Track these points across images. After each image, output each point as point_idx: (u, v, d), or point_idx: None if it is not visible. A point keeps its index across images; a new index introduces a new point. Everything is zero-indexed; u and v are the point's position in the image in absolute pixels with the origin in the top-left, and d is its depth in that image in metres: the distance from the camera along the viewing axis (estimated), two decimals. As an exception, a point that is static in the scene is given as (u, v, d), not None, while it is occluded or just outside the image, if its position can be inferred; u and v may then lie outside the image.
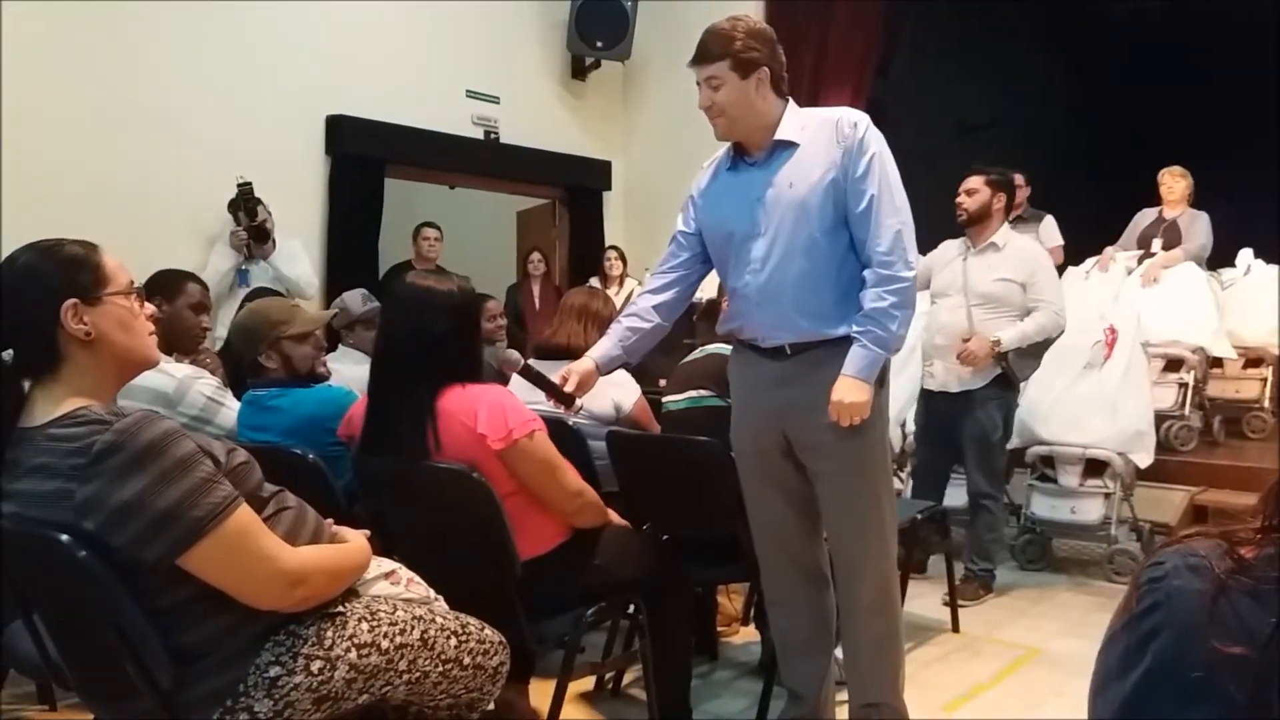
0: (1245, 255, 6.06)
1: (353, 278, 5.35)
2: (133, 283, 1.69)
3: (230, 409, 2.80)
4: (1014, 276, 3.98)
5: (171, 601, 1.54)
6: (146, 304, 1.73)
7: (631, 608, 2.59)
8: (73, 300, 1.57)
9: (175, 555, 1.49)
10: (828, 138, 2.43)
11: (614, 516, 2.60)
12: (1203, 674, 0.64)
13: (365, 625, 1.69)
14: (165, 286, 3.05)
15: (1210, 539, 0.70)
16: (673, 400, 3.28)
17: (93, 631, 1.55)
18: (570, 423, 3.02)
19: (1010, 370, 4.04)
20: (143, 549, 1.48)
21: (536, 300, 7.06)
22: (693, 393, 3.22)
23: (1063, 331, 4.11)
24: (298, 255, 5.46)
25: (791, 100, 2.51)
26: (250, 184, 5.19)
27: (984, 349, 3.93)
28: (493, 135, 6.96)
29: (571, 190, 7.64)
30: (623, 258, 6.99)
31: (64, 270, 1.59)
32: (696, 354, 3.35)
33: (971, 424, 4.08)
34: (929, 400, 4.22)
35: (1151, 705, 0.68)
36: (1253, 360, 5.83)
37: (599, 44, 7.08)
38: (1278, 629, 0.61)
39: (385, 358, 2.37)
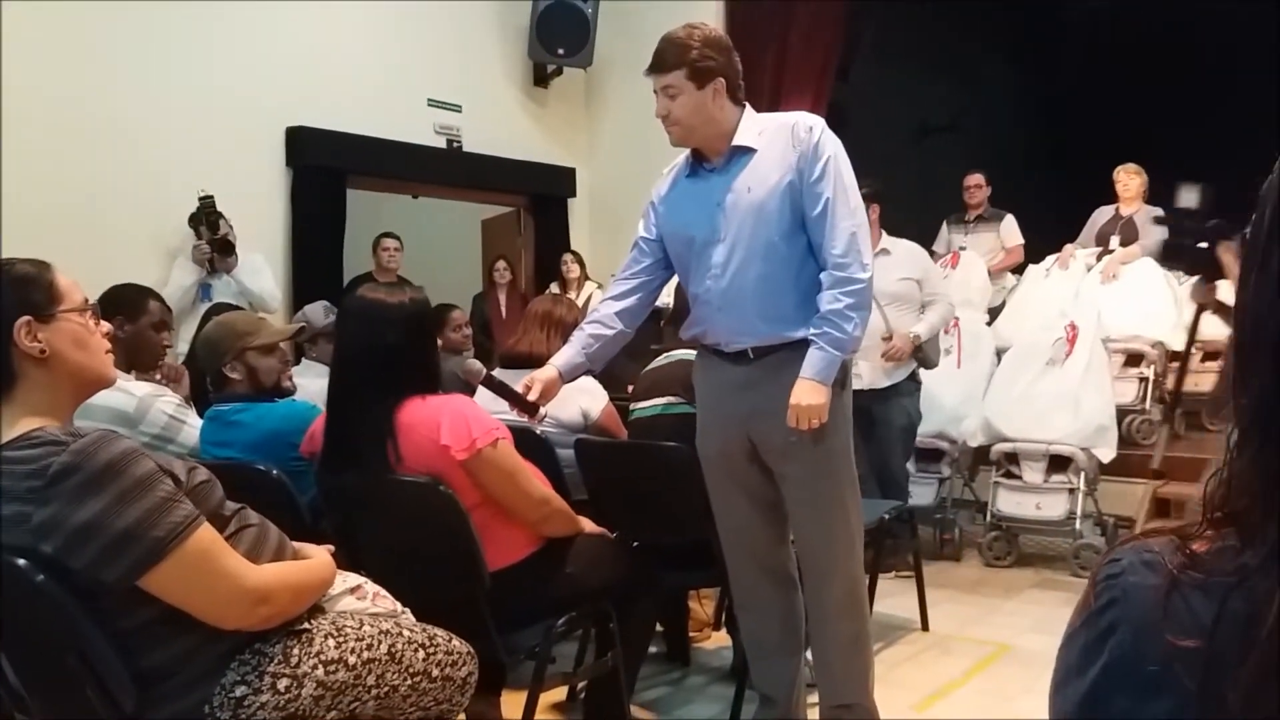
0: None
1: (317, 290, 5.30)
2: (87, 300, 1.67)
3: (192, 427, 2.76)
4: (911, 275, 4.38)
5: (133, 623, 1.52)
6: (103, 322, 1.71)
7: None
8: (26, 318, 1.54)
9: (136, 576, 1.47)
10: (784, 142, 2.44)
11: (588, 524, 2.59)
12: (1158, 668, 0.65)
13: (332, 642, 1.67)
14: (128, 304, 3.00)
15: (1164, 535, 0.71)
16: (641, 407, 3.28)
17: (53, 656, 1.53)
18: (538, 431, 3.01)
19: (927, 358, 4.45)
20: (103, 571, 1.45)
21: (503, 309, 7.03)
22: (660, 399, 3.21)
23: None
24: (260, 269, 5.41)
25: (749, 106, 2.53)
26: (212, 197, 5.14)
27: (907, 344, 4.32)
28: (455, 144, 6.93)
29: (536, 198, 7.62)
30: (579, 262, 6.98)
31: (15, 288, 1.56)
32: (664, 360, 3.34)
33: (898, 414, 4.45)
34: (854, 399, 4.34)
35: (1110, 700, 0.69)
36: (1210, 353, 5.91)
37: (560, 51, 7.07)
38: (1219, 622, 0.62)
39: (341, 372, 2.35)
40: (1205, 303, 3.86)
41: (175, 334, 4.32)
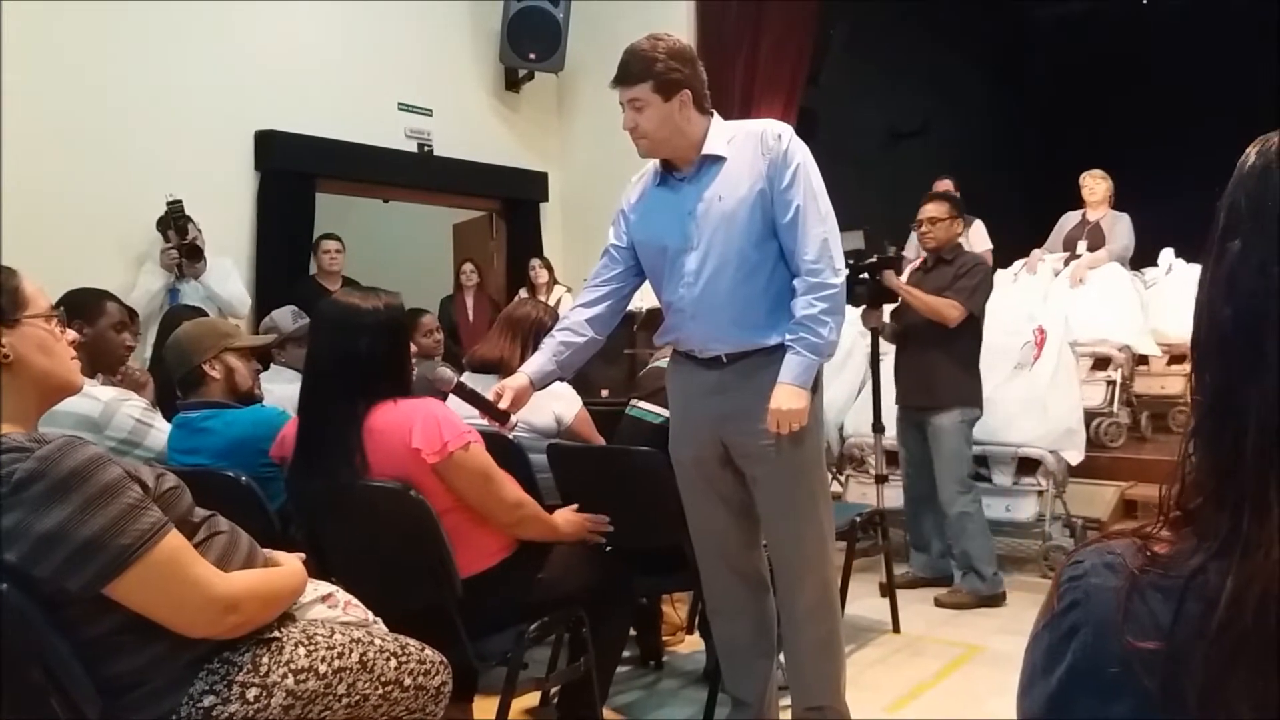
0: (1166, 255, 6.24)
1: (285, 294, 5.25)
2: (53, 307, 1.65)
3: (160, 430, 2.74)
4: None
5: (99, 632, 1.50)
6: (68, 329, 1.69)
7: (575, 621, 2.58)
8: (-11, 324, 1.52)
9: (102, 584, 1.45)
10: (753, 150, 2.45)
11: (566, 518, 2.57)
12: (1119, 669, 0.66)
13: (302, 650, 1.66)
14: (84, 308, 2.98)
15: (1126, 537, 0.72)
16: (644, 409, 3.20)
17: (16, 666, 1.50)
18: (511, 437, 3.00)
19: None
20: (67, 579, 1.44)
21: (470, 312, 6.99)
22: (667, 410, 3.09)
23: None
24: (230, 273, 5.37)
25: (716, 114, 2.54)
26: (180, 202, 5.09)
27: None
28: (426, 148, 6.91)
29: (508, 202, 7.61)
30: (548, 267, 6.97)
31: (-21, 295, 1.54)
32: None
33: None
34: None
35: (1074, 702, 0.70)
36: (1176, 357, 5.99)
37: (532, 56, 7.07)
38: (1177, 623, 0.63)
39: (314, 378, 2.34)
40: (875, 326, 4.21)
41: (144, 338, 4.28)
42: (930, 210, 4.31)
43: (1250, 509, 0.63)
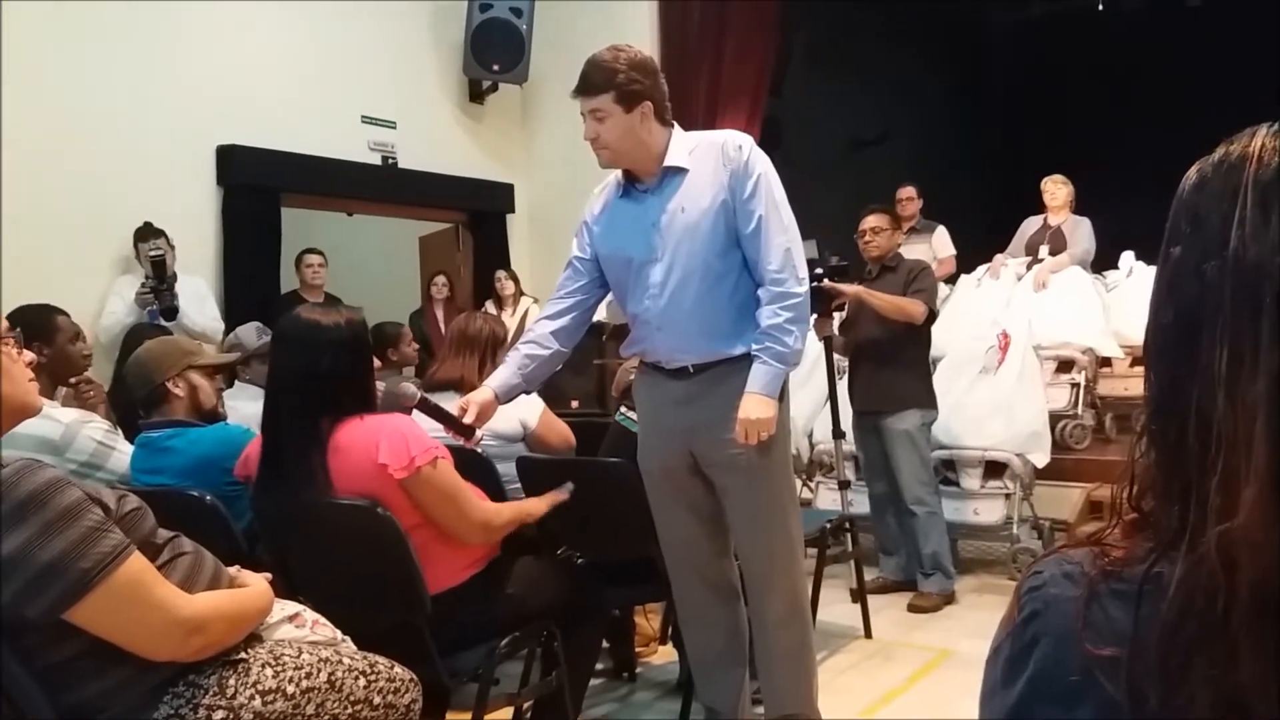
0: (1127, 257, 6.32)
1: (252, 310, 5.20)
2: (9, 328, 1.63)
3: (122, 453, 2.70)
4: None
5: (60, 658, 1.48)
6: (26, 351, 1.66)
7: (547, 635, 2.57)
8: (-57, 348, 1.50)
9: (62, 610, 1.43)
10: (715, 161, 2.47)
11: (535, 506, 2.56)
12: (1080, 677, 0.66)
13: (269, 671, 1.65)
14: (40, 330, 2.92)
15: (1084, 545, 0.73)
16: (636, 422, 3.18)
17: (-25, 696, 1.48)
18: (479, 451, 2.99)
19: None
20: (26, 605, 1.41)
21: (441, 325, 6.96)
22: None
23: None
24: (205, 298, 5.31)
25: (677, 125, 2.55)
26: (163, 255, 4.97)
27: None
28: (390, 160, 6.88)
29: (474, 214, 7.58)
30: (514, 278, 6.96)
31: (-67, 318, 1.52)
32: None
33: None
34: None
35: (1036, 711, 0.70)
36: (1139, 358, 6.06)
37: (495, 67, 7.06)
38: (1135, 628, 0.64)
39: (277, 396, 2.31)
40: (827, 335, 4.36)
41: (107, 359, 4.22)
42: (872, 221, 4.48)
43: (1195, 502, 0.64)
